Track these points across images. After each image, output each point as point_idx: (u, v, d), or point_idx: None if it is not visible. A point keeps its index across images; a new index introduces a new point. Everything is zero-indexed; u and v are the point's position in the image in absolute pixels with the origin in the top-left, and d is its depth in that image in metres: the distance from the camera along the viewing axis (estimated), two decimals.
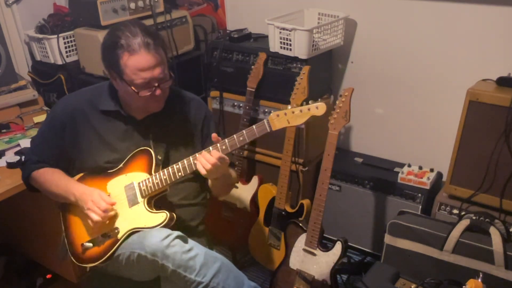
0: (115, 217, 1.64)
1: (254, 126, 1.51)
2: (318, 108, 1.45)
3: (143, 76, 1.54)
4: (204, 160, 1.52)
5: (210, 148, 1.55)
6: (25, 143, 2.23)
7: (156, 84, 1.57)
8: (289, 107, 1.48)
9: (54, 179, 1.71)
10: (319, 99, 1.48)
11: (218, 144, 1.55)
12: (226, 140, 1.55)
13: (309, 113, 1.46)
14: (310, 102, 1.46)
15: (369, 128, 2.57)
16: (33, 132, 2.34)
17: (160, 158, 1.69)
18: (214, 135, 1.55)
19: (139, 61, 1.53)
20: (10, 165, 2.03)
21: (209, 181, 1.74)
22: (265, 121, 1.50)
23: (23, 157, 2.00)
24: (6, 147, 2.22)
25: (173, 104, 1.74)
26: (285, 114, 1.47)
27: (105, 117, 1.71)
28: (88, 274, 1.82)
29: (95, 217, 1.58)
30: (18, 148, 2.21)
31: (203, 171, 1.54)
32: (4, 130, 2.37)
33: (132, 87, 1.56)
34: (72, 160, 1.75)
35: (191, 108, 1.80)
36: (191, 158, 1.59)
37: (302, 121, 1.47)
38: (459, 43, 2.15)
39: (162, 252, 1.47)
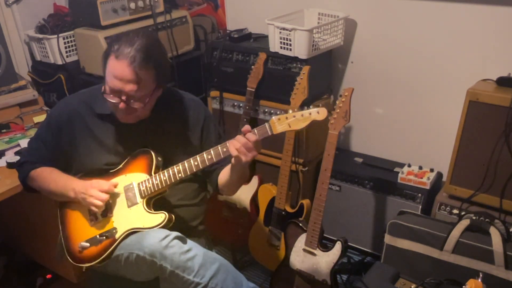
0: (113, 217, 1.64)
1: (255, 130, 1.51)
2: (319, 113, 1.45)
3: (114, 82, 1.54)
4: (238, 143, 1.49)
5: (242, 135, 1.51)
6: (25, 143, 2.23)
7: (123, 98, 1.56)
8: (290, 111, 1.48)
9: (52, 177, 1.72)
10: (320, 104, 1.47)
11: (219, 146, 1.54)
12: (227, 143, 1.55)
13: (310, 118, 1.46)
14: (311, 106, 1.46)
15: (369, 128, 2.56)
16: (33, 132, 2.33)
17: (160, 159, 1.69)
18: (247, 127, 1.52)
19: (116, 67, 1.52)
20: (10, 165, 2.03)
21: (223, 176, 1.73)
22: (266, 124, 1.50)
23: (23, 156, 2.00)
24: (6, 147, 2.22)
25: (171, 105, 1.74)
26: (286, 118, 1.47)
27: (102, 120, 1.71)
28: (88, 274, 1.82)
29: (97, 202, 1.59)
30: (18, 148, 2.21)
31: (235, 152, 1.50)
32: (4, 130, 2.37)
33: (104, 86, 1.58)
34: (69, 163, 1.75)
35: (190, 110, 1.79)
36: (191, 159, 1.58)
37: (303, 126, 1.47)
38: (459, 43, 2.15)
39: (161, 253, 1.47)
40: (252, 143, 1.49)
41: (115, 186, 1.65)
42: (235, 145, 1.50)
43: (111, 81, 1.54)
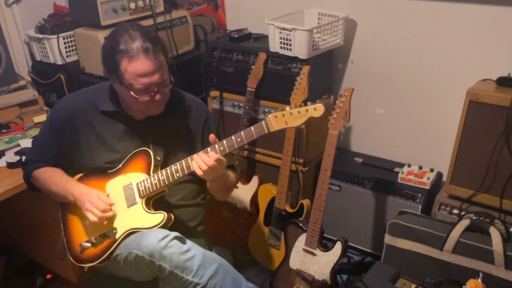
0: (113, 217, 1.64)
1: (252, 127, 1.51)
2: (316, 109, 1.44)
3: (142, 81, 1.53)
4: (201, 161, 1.53)
5: (208, 149, 1.55)
6: (25, 143, 2.23)
7: (156, 90, 1.57)
8: (287, 108, 1.48)
9: (54, 178, 1.72)
10: (318, 101, 1.47)
11: (216, 145, 1.55)
12: (224, 141, 1.55)
13: (307, 115, 1.45)
14: (308, 103, 1.45)
15: (369, 128, 2.56)
16: (33, 132, 2.34)
17: (159, 159, 1.69)
18: (211, 136, 1.55)
19: (137, 67, 1.52)
20: (10, 165, 2.03)
21: (207, 183, 1.74)
22: (263, 122, 1.49)
23: (23, 157, 2.01)
24: (6, 147, 2.22)
25: (174, 106, 1.74)
26: (283, 115, 1.47)
27: (105, 118, 1.71)
28: (88, 274, 1.82)
29: (93, 217, 1.58)
30: (18, 148, 2.21)
31: (199, 172, 1.54)
32: (4, 130, 2.37)
33: (131, 92, 1.56)
34: (71, 160, 1.75)
35: (192, 110, 1.79)
36: (188, 158, 1.59)
37: (300, 123, 1.46)
38: (459, 43, 2.15)
39: (159, 253, 1.47)
40: (214, 161, 1.51)
41: (111, 205, 1.62)
42: (200, 165, 1.52)
43: (138, 82, 1.53)
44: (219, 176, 1.62)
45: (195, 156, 1.56)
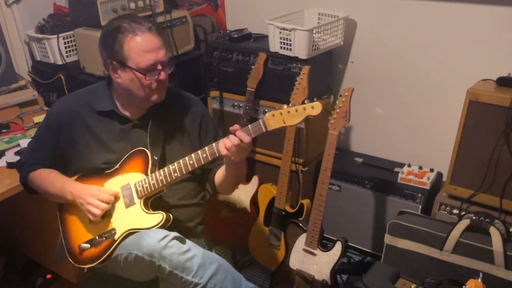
0: (112, 217, 1.64)
1: (249, 126, 1.50)
2: (313, 107, 1.43)
3: (148, 57, 1.55)
4: (229, 142, 1.49)
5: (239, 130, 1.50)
6: (25, 143, 2.22)
7: (160, 67, 1.58)
8: (285, 106, 1.47)
9: (50, 179, 1.72)
10: (315, 99, 1.46)
11: (214, 144, 1.54)
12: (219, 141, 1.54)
13: (304, 113, 1.44)
14: (305, 101, 1.45)
15: (369, 128, 2.56)
16: (33, 132, 2.34)
17: (156, 158, 1.69)
18: (236, 126, 1.51)
19: (144, 42, 1.55)
20: (10, 165, 2.03)
21: (220, 175, 1.73)
22: (260, 121, 1.48)
23: (23, 157, 2.00)
24: (6, 147, 2.22)
25: (170, 103, 1.74)
26: (281, 114, 1.46)
27: (101, 118, 1.71)
28: (88, 274, 1.82)
29: (96, 210, 1.58)
30: (18, 148, 2.21)
31: (224, 151, 1.50)
32: (4, 130, 2.37)
33: (138, 73, 1.56)
34: (68, 162, 1.75)
35: (189, 108, 1.79)
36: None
37: (298, 121, 1.45)
38: (459, 43, 2.15)
39: (159, 253, 1.46)
40: (244, 144, 1.48)
41: (115, 195, 1.63)
42: (226, 144, 1.49)
43: (146, 58, 1.55)
44: (241, 160, 1.57)
45: (223, 139, 1.52)
